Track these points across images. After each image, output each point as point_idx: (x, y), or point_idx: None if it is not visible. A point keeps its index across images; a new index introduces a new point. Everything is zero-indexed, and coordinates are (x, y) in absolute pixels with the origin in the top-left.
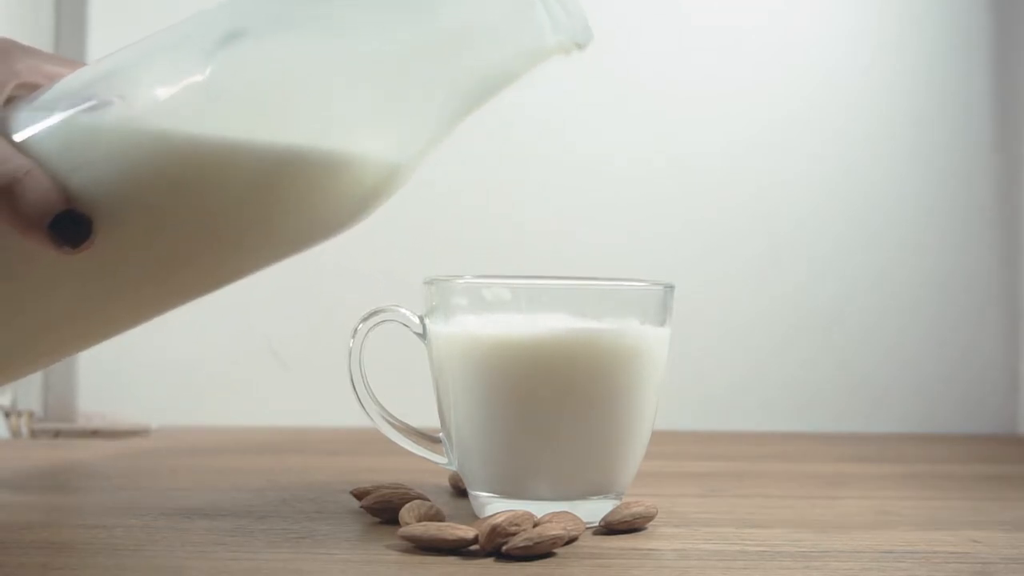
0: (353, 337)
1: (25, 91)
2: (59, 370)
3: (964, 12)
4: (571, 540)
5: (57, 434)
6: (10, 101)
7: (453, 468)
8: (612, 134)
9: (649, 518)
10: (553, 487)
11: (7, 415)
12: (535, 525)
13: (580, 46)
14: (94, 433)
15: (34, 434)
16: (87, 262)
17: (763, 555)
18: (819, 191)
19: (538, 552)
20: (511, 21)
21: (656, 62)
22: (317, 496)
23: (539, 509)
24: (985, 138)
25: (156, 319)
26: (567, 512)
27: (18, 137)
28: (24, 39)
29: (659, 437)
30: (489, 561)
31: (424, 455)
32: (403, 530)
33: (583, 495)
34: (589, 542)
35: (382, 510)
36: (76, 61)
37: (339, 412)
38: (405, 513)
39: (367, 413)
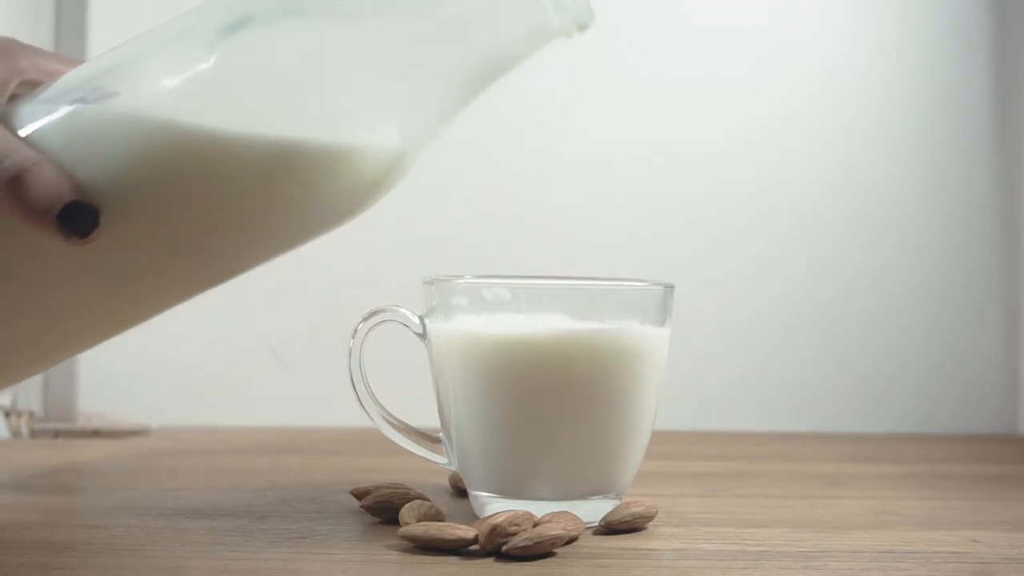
0: (353, 337)
1: (27, 89)
2: (59, 370)
3: (964, 12)
4: (571, 540)
5: (57, 434)
6: (13, 99)
7: (453, 468)
8: (612, 134)
9: (649, 518)
10: (553, 487)
11: (7, 415)
12: (535, 525)
13: (582, 27)
14: (94, 433)
15: (34, 434)
16: (91, 256)
17: (763, 555)
18: (819, 191)
19: (538, 552)
20: (513, 3)
21: (656, 62)
22: (317, 496)
23: (539, 509)
24: (985, 138)
25: (158, 317)
26: (567, 512)
27: (23, 132)
28: (24, 39)
29: (659, 437)
30: (489, 561)
31: (424, 455)
32: (403, 530)
33: (583, 495)
34: (589, 542)
35: (382, 510)
36: (77, 60)
37: (339, 412)
38: (405, 513)
39: (367, 413)
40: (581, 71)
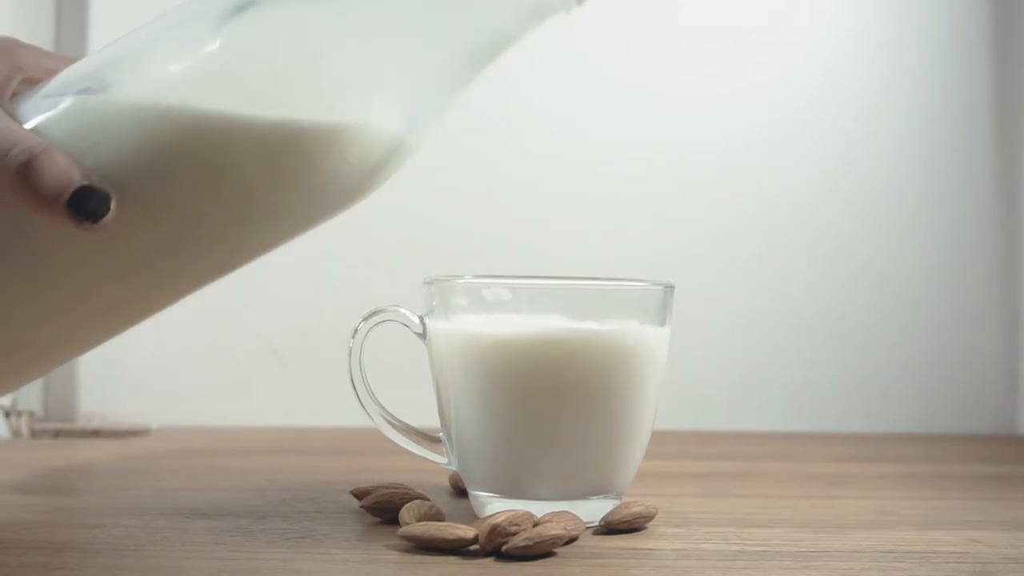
0: (353, 337)
1: (28, 87)
2: (59, 370)
3: (964, 12)
4: (571, 540)
5: (57, 434)
6: (14, 97)
7: (453, 468)
8: (612, 134)
9: (649, 518)
10: (553, 487)
11: (7, 415)
12: (535, 525)
13: (580, 1)
14: (94, 433)
15: (34, 434)
16: (98, 246)
17: (763, 555)
18: (819, 191)
19: (538, 552)
20: None
21: (656, 62)
22: (317, 496)
23: (539, 509)
24: (985, 138)
25: (158, 317)
26: (567, 512)
27: (28, 125)
28: (25, 39)
29: (659, 437)
30: (489, 561)
31: (424, 455)
32: (403, 530)
33: (583, 495)
34: (589, 542)
35: (382, 510)
36: (78, 59)
37: (339, 412)
38: (405, 513)
39: (367, 413)
40: (581, 71)
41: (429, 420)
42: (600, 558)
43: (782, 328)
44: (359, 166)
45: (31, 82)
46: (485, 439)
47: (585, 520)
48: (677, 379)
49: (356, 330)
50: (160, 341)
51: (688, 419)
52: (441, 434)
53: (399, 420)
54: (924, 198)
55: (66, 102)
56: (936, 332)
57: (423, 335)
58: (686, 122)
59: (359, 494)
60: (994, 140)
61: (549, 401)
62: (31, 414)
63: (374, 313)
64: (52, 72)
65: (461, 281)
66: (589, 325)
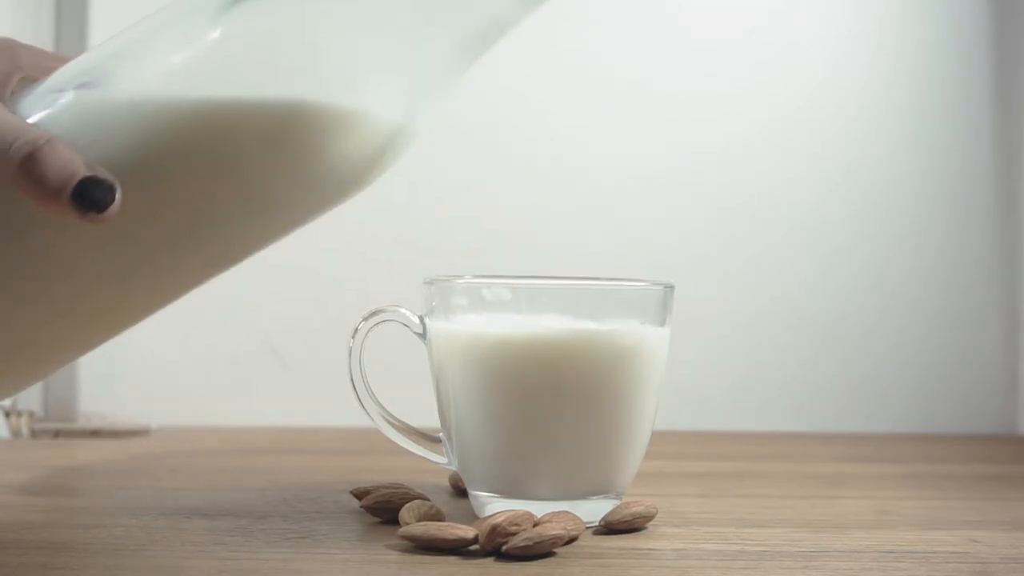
0: (353, 337)
1: (27, 86)
2: (59, 370)
3: (964, 12)
4: (571, 540)
5: (57, 434)
6: (13, 96)
7: (453, 468)
8: (612, 134)
9: (649, 518)
10: (553, 487)
11: (7, 415)
12: (535, 525)
13: None
14: (94, 433)
15: (34, 434)
16: (102, 239)
17: (763, 555)
18: (819, 191)
19: (538, 552)
20: None
21: (656, 62)
22: (317, 496)
23: (539, 509)
24: (985, 138)
25: (159, 317)
26: (567, 512)
27: (29, 120)
28: (25, 39)
29: (659, 437)
30: (489, 561)
31: (424, 455)
32: (403, 530)
33: (583, 495)
34: (589, 542)
35: (382, 510)
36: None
37: (339, 412)
38: (405, 513)
39: (367, 413)
40: (582, 72)
41: (429, 420)
42: (600, 558)
43: (782, 328)
44: (360, 153)
45: (29, 81)
46: (485, 439)
47: (585, 520)
48: (677, 379)
49: (356, 330)
50: (160, 341)
51: (688, 419)
52: (441, 434)
53: (399, 420)
54: (924, 198)
55: (66, 97)
56: (936, 332)
57: (423, 335)
58: (686, 122)
59: (359, 494)
60: (994, 140)
61: (549, 401)
62: (31, 414)
63: (374, 313)
64: (50, 71)
65: (461, 281)
66: (589, 325)
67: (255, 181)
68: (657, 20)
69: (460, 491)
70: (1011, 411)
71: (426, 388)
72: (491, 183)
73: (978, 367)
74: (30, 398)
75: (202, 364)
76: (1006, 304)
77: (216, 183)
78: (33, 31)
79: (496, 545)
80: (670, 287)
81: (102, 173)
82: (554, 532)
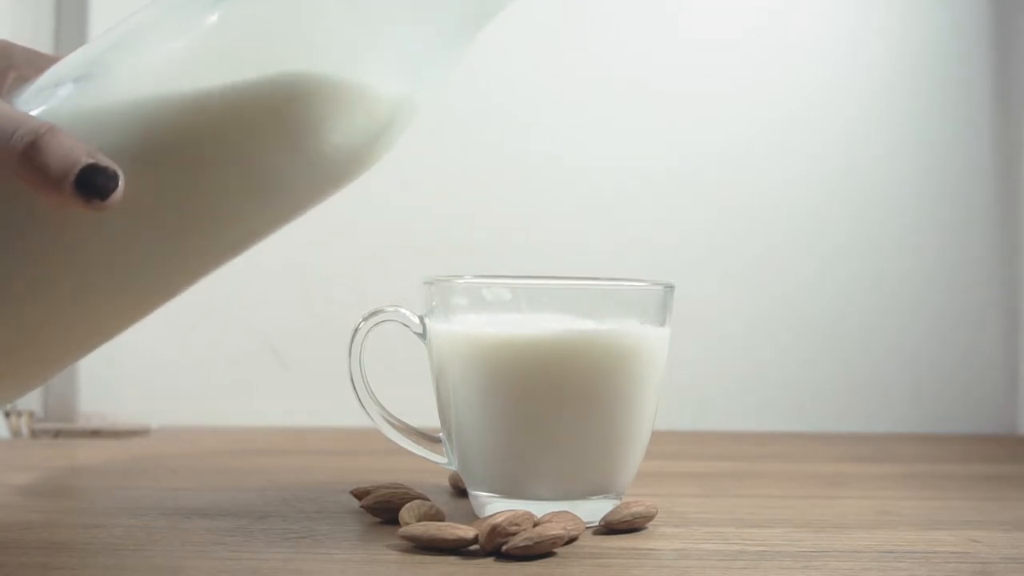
0: (353, 337)
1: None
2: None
3: (964, 12)
4: (571, 540)
5: (57, 434)
6: (10, 94)
7: (453, 468)
8: (612, 134)
9: (649, 518)
10: (553, 487)
11: (7, 415)
12: (535, 525)
13: None
14: (94, 433)
15: (34, 434)
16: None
17: (763, 555)
18: (819, 191)
19: (538, 552)
20: None
21: (656, 62)
22: (317, 496)
23: (539, 509)
24: (985, 138)
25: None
26: (567, 512)
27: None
28: (24, 40)
29: (659, 437)
30: (489, 561)
31: (424, 455)
32: (403, 530)
33: (583, 495)
34: (589, 542)
35: (382, 510)
36: None
37: (339, 412)
38: (405, 513)
39: (367, 413)
40: (582, 71)
41: (429, 420)
42: (600, 558)
43: (782, 328)
44: (361, 130)
45: (24, 80)
46: (485, 439)
47: (585, 520)
48: (677, 379)
49: (356, 330)
50: (160, 341)
51: (688, 419)
52: (441, 434)
53: (399, 420)
54: (924, 198)
55: (65, 90)
56: (936, 332)
57: (423, 335)
58: (686, 122)
59: (359, 494)
60: (994, 140)
61: (549, 401)
62: (31, 414)
63: (374, 313)
64: (45, 71)
65: (461, 281)
66: (589, 325)
67: (257, 164)
68: (657, 20)
69: (460, 491)
70: (1011, 411)
71: (426, 388)
72: (490, 183)
73: (978, 367)
74: (30, 398)
75: (202, 364)
76: (1006, 304)
77: (219, 170)
78: (33, 31)
79: (496, 545)
80: (670, 287)
81: (104, 160)
82: (554, 532)
